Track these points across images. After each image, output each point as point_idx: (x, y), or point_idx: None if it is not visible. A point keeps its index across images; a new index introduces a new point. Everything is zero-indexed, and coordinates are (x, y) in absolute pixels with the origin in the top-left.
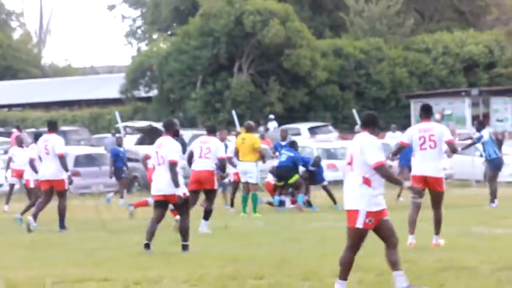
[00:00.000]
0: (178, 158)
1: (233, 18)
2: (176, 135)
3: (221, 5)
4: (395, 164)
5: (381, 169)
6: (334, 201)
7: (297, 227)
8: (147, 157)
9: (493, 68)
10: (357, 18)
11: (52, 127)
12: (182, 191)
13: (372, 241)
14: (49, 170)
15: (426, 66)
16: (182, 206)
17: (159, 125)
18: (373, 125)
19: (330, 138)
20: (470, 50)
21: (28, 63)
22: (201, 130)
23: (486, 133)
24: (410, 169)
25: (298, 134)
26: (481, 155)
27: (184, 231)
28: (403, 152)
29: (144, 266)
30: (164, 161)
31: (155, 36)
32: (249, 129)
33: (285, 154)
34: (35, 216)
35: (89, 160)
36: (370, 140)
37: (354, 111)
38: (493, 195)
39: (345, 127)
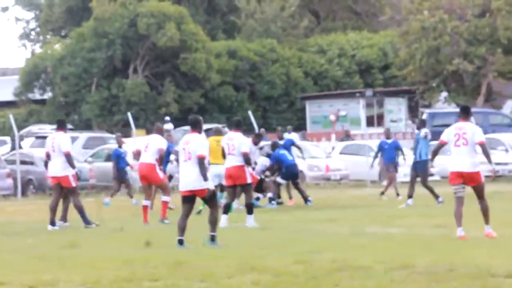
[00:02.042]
0: (206, 153)
1: (127, 21)
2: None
3: (115, 8)
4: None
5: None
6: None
7: (194, 228)
8: (138, 152)
9: (387, 70)
10: (250, 20)
11: (61, 125)
12: (211, 184)
13: (267, 240)
14: (55, 167)
15: (321, 67)
16: (211, 199)
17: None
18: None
19: None
20: (365, 53)
21: None
22: (97, 132)
23: (422, 133)
24: (395, 167)
25: None
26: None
27: (213, 222)
28: (387, 150)
29: (38, 269)
30: (191, 157)
31: (49, 37)
32: (218, 133)
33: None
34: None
35: None
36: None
37: (250, 113)
38: (434, 194)
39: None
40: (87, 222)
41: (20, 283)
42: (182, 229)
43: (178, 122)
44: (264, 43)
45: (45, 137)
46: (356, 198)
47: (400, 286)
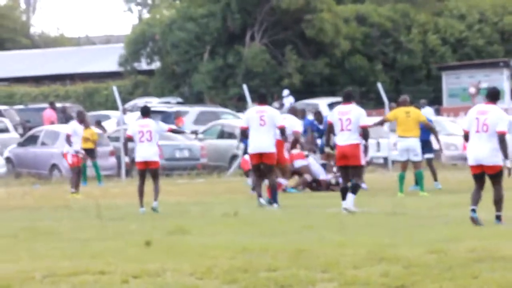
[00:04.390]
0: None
1: None
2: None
3: None
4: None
5: None
6: None
7: (314, 213)
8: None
9: None
10: None
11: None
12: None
13: (396, 227)
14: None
15: (460, 34)
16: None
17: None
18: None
19: None
20: (510, 21)
21: (15, 32)
22: (209, 106)
23: None
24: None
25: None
26: None
27: (497, 202)
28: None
29: (144, 257)
30: (488, 129)
31: (158, 0)
32: (404, 103)
33: None
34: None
35: None
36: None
37: (379, 85)
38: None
39: (370, 103)
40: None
41: (123, 272)
42: (476, 200)
43: (301, 95)
44: (397, 7)
45: (154, 112)
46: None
47: None
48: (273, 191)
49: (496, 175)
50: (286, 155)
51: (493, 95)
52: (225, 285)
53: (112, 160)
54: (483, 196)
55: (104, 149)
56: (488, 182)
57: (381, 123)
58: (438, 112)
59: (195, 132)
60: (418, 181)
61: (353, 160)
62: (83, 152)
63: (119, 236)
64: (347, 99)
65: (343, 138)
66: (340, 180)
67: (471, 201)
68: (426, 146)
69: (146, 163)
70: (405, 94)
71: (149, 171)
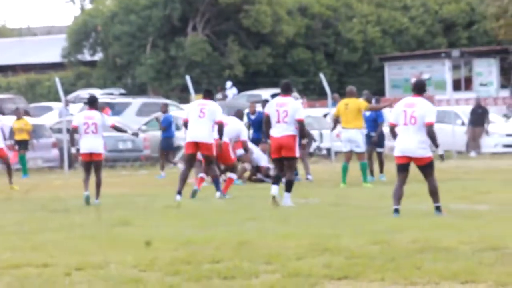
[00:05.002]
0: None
1: None
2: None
3: None
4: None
5: None
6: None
7: (257, 205)
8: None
9: (472, 27)
10: None
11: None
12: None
13: (339, 218)
14: None
15: (401, 25)
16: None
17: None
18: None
19: None
20: (450, 9)
21: None
22: (152, 98)
23: None
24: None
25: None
26: (462, 123)
27: (433, 193)
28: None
29: (87, 250)
30: (416, 122)
31: None
32: (351, 94)
33: None
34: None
35: None
36: None
37: (322, 76)
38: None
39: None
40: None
41: (67, 265)
42: (398, 198)
43: (243, 86)
44: None
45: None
46: (439, 171)
47: (489, 269)
48: (216, 182)
49: (426, 166)
50: (231, 154)
51: (420, 88)
52: (168, 277)
53: (55, 152)
54: (422, 188)
55: (46, 141)
56: (412, 177)
57: (335, 122)
58: (378, 103)
59: (136, 134)
60: (362, 172)
61: (287, 151)
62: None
63: (62, 228)
64: (285, 91)
65: (279, 130)
66: None
67: (393, 200)
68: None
69: (90, 155)
70: (351, 85)
71: (92, 163)
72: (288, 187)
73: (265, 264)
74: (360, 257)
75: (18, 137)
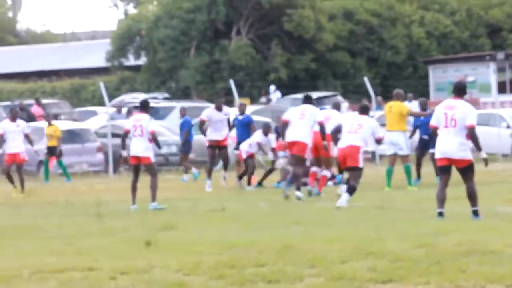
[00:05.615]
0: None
1: None
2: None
3: None
4: None
5: None
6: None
7: (301, 208)
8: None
9: None
10: None
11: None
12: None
13: (384, 221)
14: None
15: (445, 27)
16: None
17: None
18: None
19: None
20: (494, 14)
21: (1, 29)
22: (196, 102)
23: None
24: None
25: None
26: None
27: (471, 196)
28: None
29: (131, 254)
30: (456, 124)
31: None
32: (397, 97)
33: None
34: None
35: (71, 136)
36: None
37: (366, 79)
38: None
39: (356, 97)
40: None
41: (111, 269)
42: (441, 201)
43: (287, 90)
44: (382, 1)
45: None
46: (486, 174)
47: None
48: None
49: (465, 169)
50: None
51: (460, 90)
52: (212, 281)
53: (100, 156)
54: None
55: (91, 145)
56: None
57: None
58: (423, 106)
59: (165, 157)
60: (406, 175)
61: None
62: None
63: (106, 233)
64: (307, 101)
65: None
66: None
67: (437, 203)
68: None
69: (137, 158)
70: (398, 89)
71: (141, 167)
72: (351, 190)
73: (309, 267)
74: (404, 260)
75: (49, 143)
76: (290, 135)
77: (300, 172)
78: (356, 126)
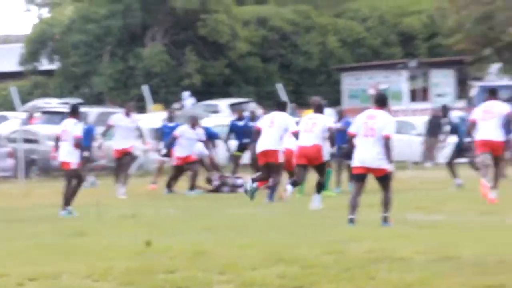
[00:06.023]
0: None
1: None
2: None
3: None
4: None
5: None
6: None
7: (214, 214)
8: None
9: (433, 39)
10: None
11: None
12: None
13: (296, 227)
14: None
15: (358, 34)
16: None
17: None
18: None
19: None
20: (409, 23)
21: None
22: (109, 107)
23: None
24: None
25: (217, 111)
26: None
27: (385, 204)
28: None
29: (41, 260)
30: (374, 134)
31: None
32: (317, 110)
33: None
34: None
35: None
36: None
37: (278, 86)
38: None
39: (270, 104)
40: None
41: (20, 275)
42: (353, 207)
43: (201, 96)
44: (299, 9)
45: (52, 113)
46: (396, 181)
47: (444, 279)
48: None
49: (383, 178)
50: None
51: (381, 101)
52: (122, 287)
53: (10, 162)
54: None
55: (1, 150)
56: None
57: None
58: (339, 114)
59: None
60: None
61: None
62: None
63: (15, 238)
64: (280, 107)
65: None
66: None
67: (349, 209)
68: None
69: (62, 163)
70: (316, 97)
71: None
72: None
73: (220, 274)
74: (315, 266)
75: None
76: (260, 145)
77: (279, 180)
78: (310, 125)
